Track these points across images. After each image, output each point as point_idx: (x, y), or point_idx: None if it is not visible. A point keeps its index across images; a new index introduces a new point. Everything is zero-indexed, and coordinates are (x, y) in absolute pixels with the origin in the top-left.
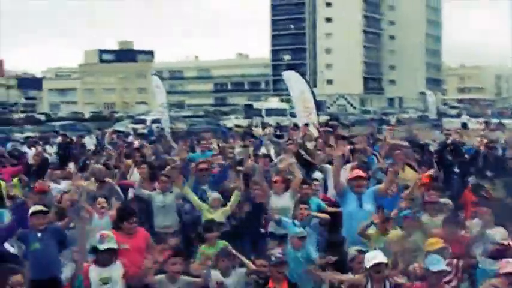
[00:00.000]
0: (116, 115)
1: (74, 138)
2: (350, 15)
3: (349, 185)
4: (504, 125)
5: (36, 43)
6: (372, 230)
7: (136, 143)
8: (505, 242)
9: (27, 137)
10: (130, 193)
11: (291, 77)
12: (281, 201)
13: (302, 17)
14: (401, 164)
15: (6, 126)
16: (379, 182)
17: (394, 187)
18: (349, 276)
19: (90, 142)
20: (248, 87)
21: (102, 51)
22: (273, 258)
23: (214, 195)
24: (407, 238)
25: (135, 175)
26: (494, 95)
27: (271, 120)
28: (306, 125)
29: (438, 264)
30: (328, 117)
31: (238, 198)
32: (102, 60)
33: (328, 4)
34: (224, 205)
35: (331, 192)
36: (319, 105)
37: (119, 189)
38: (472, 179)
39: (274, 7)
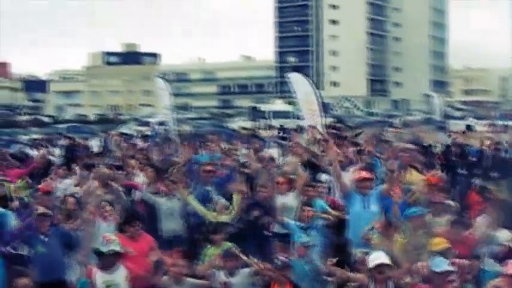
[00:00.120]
0: (121, 117)
1: (79, 140)
2: (355, 17)
3: (354, 187)
4: (509, 127)
5: (41, 45)
6: (375, 237)
7: (141, 145)
8: (510, 244)
9: (33, 139)
10: (134, 195)
11: (296, 79)
12: (285, 200)
13: (307, 19)
14: (407, 167)
15: (11, 129)
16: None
17: (399, 191)
18: (356, 275)
19: (95, 144)
20: (253, 90)
21: (107, 54)
22: (278, 262)
23: (220, 201)
24: (413, 238)
25: (139, 177)
26: (499, 97)
27: (276, 122)
28: (312, 127)
29: (442, 265)
30: (333, 120)
31: (239, 202)
32: (107, 63)
33: (333, 6)
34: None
35: (337, 194)
36: (324, 108)
37: (122, 193)
38: (477, 181)
39: (279, 9)
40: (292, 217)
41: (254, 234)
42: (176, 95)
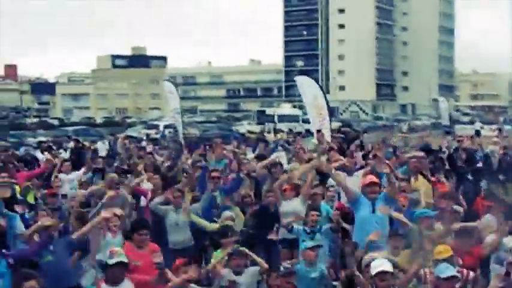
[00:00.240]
0: (129, 120)
1: (86, 143)
2: (363, 21)
3: (363, 191)
4: None
5: (49, 48)
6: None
7: (149, 149)
8: None
9: (40, 142)
10: (142, 202)
11: (304, 82)
12: (291, 205)
13: (315, 23)
14: (415, 173)
15: (19, 131)
16: None
17: (404, 199)
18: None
19: (102, 147)
20: (261, 93)
21: (115, 57)
22: (282, 269)
23: (226, 213)
24: (419, 241)
25: (147, 184)
26: (507, 102)
27: (284, 126)
28: (319, 131)
29: (448, 271)
30: (340, 124)
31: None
32: (115, 66)
33: (341, 10)
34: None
35: (344, 199)
36: (331, 112)
37: (129, 199)
38: (483, 184)
39: (287, 13)
40: (299, 222)
41: (261, 240)
42: (184, 98)
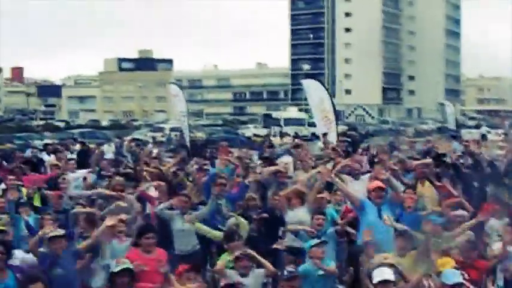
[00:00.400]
0: (135, 123)
1: (92, 146)
2: (369, 25)
3: (369, 196)
4: None
5: (55, 50)
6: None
7: (155, 152)
8: None
9: (46, 144)
10: (148, 209)
11: (310, 85)
12: (297, 216)
13: (321, 26)
14: (421, 179)
15: (25, 133)
16: None
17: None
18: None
19: (108, 150)
20: (267, 97)
21: (121, 60)
22: (286, 273)
23: (231, 221)
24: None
25: (152, 190)
26: None
27: (290, 129)
28: (325, 134)
29: (454, 277)
30: (346, 127)
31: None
32: (121, 69)
33: (348, 14)
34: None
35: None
36: (337, 115)
37: (135, 204)
38: (490, 189)
39: (293, 16)
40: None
41: (266, 245)
42: (190, 101)
